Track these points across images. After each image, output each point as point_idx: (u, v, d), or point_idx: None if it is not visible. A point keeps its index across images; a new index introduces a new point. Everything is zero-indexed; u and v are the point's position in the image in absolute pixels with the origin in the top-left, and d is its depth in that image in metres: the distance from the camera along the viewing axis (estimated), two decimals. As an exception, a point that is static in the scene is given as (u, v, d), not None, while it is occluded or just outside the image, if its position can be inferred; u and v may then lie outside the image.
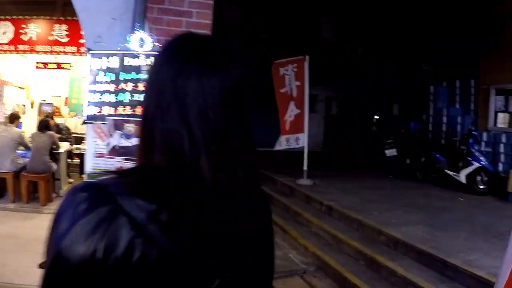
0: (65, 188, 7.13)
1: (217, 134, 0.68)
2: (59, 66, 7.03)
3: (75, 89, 8.73)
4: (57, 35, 5.69)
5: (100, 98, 3.11)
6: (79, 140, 7.74)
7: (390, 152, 10.14)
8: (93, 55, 3.11)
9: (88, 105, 3.16)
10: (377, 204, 6.55)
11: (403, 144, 10.57)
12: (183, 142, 0.66)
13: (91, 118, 3.18)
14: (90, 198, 0.62)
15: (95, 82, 3.13)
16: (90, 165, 3.27)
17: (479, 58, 9.33)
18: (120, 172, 0.69)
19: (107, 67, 3.07)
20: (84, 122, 3.24)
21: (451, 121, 9.93)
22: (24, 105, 8.15)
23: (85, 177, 3.38)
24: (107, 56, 3.07)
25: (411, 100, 11.87)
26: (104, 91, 3.09)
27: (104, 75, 3.07)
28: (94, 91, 3.13)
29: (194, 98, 0.67)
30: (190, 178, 0.65)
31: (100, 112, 3.12)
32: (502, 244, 4.70)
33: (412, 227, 5.29)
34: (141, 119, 0.74)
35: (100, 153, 3.13)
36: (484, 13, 8.98)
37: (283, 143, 8.25)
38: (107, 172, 0.68)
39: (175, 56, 0.71)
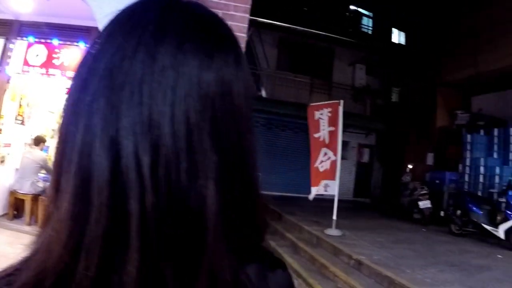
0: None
1: (170, 175, 0.35)
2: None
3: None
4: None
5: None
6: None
7: (424, 204, 9.67)
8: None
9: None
10: (410, 260, 6.16)
11: (437, 195, 10.03)
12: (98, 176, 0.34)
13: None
14: None
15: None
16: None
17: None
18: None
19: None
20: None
21: (489, 171, 9.36)
22: (53, 130, 8.20)
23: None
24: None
25: (446, 149, 11.39)
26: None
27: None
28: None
29: (135, 91, 0.35)
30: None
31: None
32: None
33: (448, 288, 4.83)
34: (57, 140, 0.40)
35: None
36: None
37: (313, 193, 7.80)
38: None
39: (124, 29, 0.39)
